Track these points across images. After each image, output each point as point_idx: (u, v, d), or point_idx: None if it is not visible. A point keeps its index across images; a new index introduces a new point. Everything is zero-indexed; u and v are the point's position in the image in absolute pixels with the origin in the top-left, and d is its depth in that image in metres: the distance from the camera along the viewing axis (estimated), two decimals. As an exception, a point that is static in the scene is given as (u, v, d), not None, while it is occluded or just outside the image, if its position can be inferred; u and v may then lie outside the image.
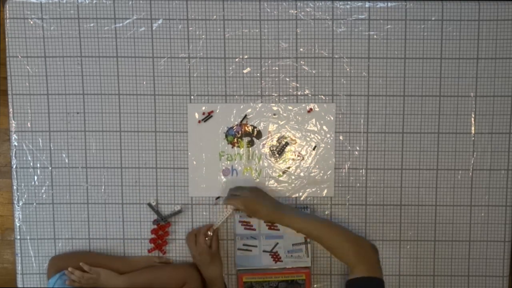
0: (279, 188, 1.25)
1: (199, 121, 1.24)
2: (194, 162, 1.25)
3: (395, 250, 1.26)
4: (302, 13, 1.21)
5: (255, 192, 1.19)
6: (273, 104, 1.24)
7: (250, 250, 1.25)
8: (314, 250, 1.26)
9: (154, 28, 1.22)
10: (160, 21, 1.22)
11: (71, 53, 1.22)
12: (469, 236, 1.26)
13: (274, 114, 1.24)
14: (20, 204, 1.26)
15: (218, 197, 1.25)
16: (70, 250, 1.26)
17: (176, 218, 1.26)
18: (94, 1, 1.21)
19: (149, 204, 1.24)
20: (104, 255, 1.25)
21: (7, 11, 1.21)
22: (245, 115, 1.24)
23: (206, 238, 1.20)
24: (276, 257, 1.24)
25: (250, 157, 1.25)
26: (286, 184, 1.25)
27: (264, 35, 1.22)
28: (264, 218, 1.17)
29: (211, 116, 1.24)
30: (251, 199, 1.15)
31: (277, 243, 1.24)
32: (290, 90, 1.24)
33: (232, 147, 1.25)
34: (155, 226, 1.25)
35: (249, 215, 1.17)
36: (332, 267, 1.27)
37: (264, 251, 1.24)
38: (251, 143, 1.25)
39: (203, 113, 1.24)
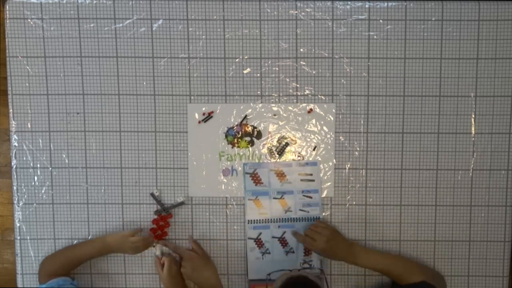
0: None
1: (199, 122, 1.24)
2: (194, 162, 1.25)
3: (395, 250, 1.26)
4: (302, 13, 1.21)
5: (332, 235, 1.18)
6: (273, 105, 1.24)
7: (262, 244, 1.26)
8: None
9: (154, 29, 1.22)
10: (160, 22, 1.22)
11: (71, 53, 1.22)
12: (469, 236, 1.26)
13: (274, 115, 1.24)
14: (20, 204, 1.26)
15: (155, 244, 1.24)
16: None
17: (176, 217, 1.26)
18: (94, 1, 1.21)
19: (152, 194, 1.24)
20: (84, 243, 1.24)
21: (7, 11, 1.21)
22: (245, 116, 1.24)
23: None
24: (284, 242, 1.25)
25: (250, 158, 1.25)
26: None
27: (264, 35, 1.22)
28: (339, 260, 1.20)
29: (211, 117, 1.24)
30: (330, 245, 1.17)
31: (285, 232, 1.25)
32: (290, 91, 1.24)
33: (232, 147, 1.25)
34: (156, 217, 1.25)
35: (324, 256, 1.21)
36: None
37: (273, 237, 1.25)
38: (251, 143, 1.25)
39: (203, 114, 1.24)
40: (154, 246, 1.24)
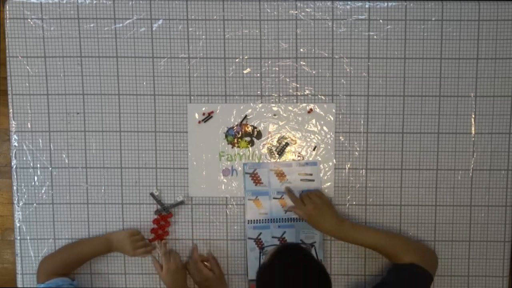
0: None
1: (199, 122, 1.24)
2: (194, 162, 1.25)
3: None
4: (302, 13, 1.21)
5: (323, 204, 1.18)
6: (273, 105, 1.24)
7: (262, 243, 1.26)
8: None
9: (154, 29, 1.22)
10: (160, 22, 1.22)
11: (71, 53, 1.22)
12: (469, 236, 1.26)
13: (274, 115, 1.24)
14: (20, 204, 1.26)
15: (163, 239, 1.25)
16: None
17: (176, 217, 1.26)
18: (94, 1, 1.21)
19: (152, 194, 1.24)
20: (85, 240, 1.25)
21: (7, 11, 1.21)
22: (245, 116, 1.24)
23: (206, 262, 1.22)
24: (284, 242, 1.25)
25: (250, 158, 1.25)
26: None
27: (264, 35, 1.22)
28: (326, 232, 1.19)
29: (211, 117, 1.24)
30: (316, 213, 1.16)
31: (285, 231, 1.25)
32: (290, 91, 1.24)
33: (232, 147, 1.25)
34: (157, 216, 1.25)
35: (311, 225, 1.19)
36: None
37: (273, 237, 1.25)
38: (251, 143, 1.25)
39: (203, 114, 1.24)
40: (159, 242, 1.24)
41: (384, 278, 1.15)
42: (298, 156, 1.25)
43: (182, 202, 1.25)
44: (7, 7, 1.21)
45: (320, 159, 1.25)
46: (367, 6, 1.21)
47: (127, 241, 1.20)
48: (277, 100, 1.24)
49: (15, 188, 1.26)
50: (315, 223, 1.17)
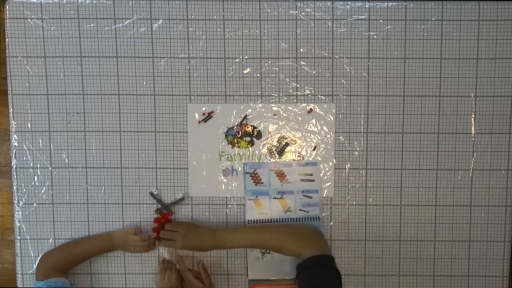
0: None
1: (199, 122, 1.24)
2: (194, 162, 1.25)
3: (395, 250, 1.26)
4: (302, 13, 1.21)
5: (187, 228, 1.16)
6: (273, 105, 1.24)
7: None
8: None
9: (154, 29, 1.22)
10: (160, 22, 1.22)
11: (71, 53, 1.23)
12: (469, 236, 1.26)
13: (274, 115, 1.24)
14: (20, 204, 1.26)
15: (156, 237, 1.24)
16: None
17: (176, 217, 1.26)
18: (94, 1, 1.21)
19: (151, 193, 1.25)
20: (86, 238, 1.25)
21: (7, 11, 1.21)
22: (245, 116, 1.24)
23: (198, 270, 1.21)
24: None
25: (250, 158, 1.25)
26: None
27: (264, 35, 1.22)
28: (208, 249, 1.16)
29: (211, 117, 1.24)
30: (189, 238, 1.14)
31: None
32: (290, 91, 1.24)
33: (232, 147, 1.25)
34: (158, 215, 1.25)
35: (193, 250, 1.17)
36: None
37: None
38: (251, 143, 1.25)
39: (203, 114, 1.24)
40: (158, 245, 1.24)
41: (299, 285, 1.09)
42: (298, 156, 1.25)
43: (182, 199, 1.25)
44: (7, 7, 1.21)
45: (320, 159, 1.25)
46: (367, 6, 1.21)
47: (128, 238, 1.19)
48: (277, 100, 1.24)
49: (15, 188, 1.26)
50: (193, 247, 1.16)
